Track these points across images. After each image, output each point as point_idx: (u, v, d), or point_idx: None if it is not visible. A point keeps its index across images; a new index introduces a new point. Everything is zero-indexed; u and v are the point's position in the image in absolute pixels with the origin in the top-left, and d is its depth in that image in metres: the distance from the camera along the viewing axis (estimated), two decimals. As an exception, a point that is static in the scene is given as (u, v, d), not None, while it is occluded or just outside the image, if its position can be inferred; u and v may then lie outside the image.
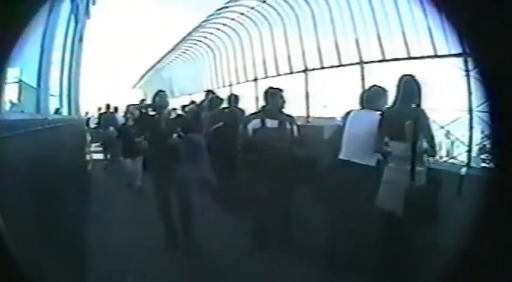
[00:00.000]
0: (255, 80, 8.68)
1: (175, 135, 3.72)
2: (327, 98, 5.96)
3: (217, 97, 5.68)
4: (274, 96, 3.69)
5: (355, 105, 3.46)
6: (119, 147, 5.97)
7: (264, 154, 3.51)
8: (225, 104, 5.37)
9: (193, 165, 4.29)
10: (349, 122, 3.40)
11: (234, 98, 5.42)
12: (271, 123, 3.61)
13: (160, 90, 3.88)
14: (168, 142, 3.64)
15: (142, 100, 9.44)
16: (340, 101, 5.42)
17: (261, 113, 3.71)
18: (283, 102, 3.66)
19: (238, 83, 9.54)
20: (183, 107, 8.75)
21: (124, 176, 6.14)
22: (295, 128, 3.71)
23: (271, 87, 3.78)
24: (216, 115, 5.26)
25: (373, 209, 2.92)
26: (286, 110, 3.76)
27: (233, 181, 3.74)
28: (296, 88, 6.65)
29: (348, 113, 3.45)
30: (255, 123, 3.62)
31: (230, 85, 10.31)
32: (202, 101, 6.37)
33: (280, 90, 3.72)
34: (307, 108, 5.80)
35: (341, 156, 3.36)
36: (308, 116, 5.83)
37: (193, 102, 8.44)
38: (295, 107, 5.83)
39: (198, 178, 4.43)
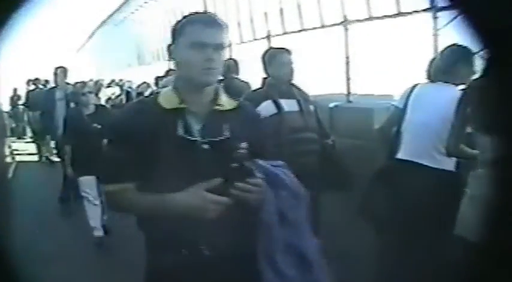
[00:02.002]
0: (258, 38, 8.64)
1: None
2: (375, 65, 5.87)
3: None
4: (279, 61, 3.62)
5: (420, 77, 3.44)
6: (68, 155, 5.42)
7: (287, 155, 3.49)
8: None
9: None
10: (412, 103, 3.36)
11: (232, 65, 5.38)
12: (287, 105, 3.56)
13: None
14: None
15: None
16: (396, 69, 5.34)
17: (266, 90, 3.64)
18: (292, 71, 3.62)
19: (241, 42, 9.49)
20: (157, 79, 8.79)
21: (90, 213, 5.32)
22: (313, 109, 3.71)
23: (272, 48, 3.75)
24: None
25: (450, 239, 2.85)
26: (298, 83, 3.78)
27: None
28: (313, 49, 6.78)
29: (411, 89, 3.41)
30: (267, 106, 3.51)
31: (228, 45, 10.25)
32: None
33: (287, 51, 3.67)
34: (348, 81, 5.72)
35: (400, 156, 3.34)
36: (349, 93, 5.75)
37: (171, 71, 8.48)
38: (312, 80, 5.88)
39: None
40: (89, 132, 5.11)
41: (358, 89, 5.89)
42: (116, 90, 10.97)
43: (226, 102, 1.90)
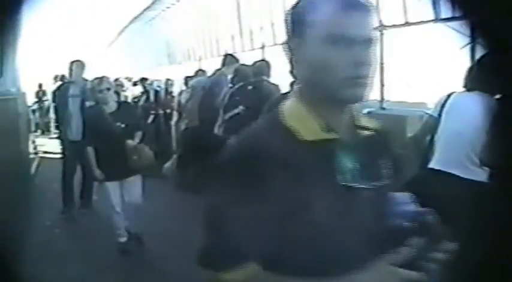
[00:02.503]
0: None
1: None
2: (411, 72, 5.89)
3: (245, 65, 5.76)
4: None
5: (455, 85, 3.43)
6: (91, 156, 5.03)
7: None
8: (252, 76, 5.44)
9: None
10: (447, 112, 3.37)
11: (264, 67, 5.45)
12: None
13: None
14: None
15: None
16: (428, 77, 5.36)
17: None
18: None
19: (274, 44, 9.55)
20: (187, 78, 8.91)
21: (113, 222, 5.18)
22: None
23: None
24: (239, 93, 5.35)
25: (483, 254, 2.84)
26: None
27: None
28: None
29: (447, 98, 3.42)
30: None
31: (262, 47, 10.34)
32: (217, 71, 6.53)
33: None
34: (382, 87, 5.74)
35: (432, 165, 3.33)
36: (382, 99, 5.78)
37: (201, 71, 8.60)
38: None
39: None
40: (112, 132, 4.88)
41: (391, 96, 5.92)
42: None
43: (366, 122, 1.39)
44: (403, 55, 5.86)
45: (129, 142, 4.90)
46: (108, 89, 5.02)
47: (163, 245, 5.16)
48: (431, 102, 3.83)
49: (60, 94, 6.77)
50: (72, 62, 6.63)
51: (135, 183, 5.09)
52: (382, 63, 5.76)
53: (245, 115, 4.88)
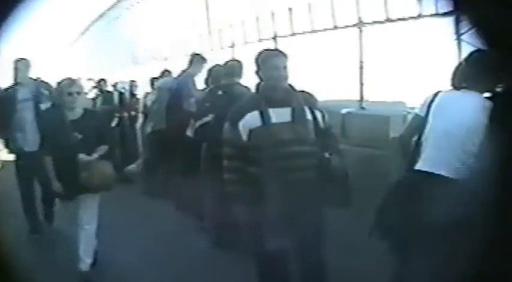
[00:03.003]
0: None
1: None
2: (388, 70, 5.81)
3: (218, 65, 5.57)
4: (272, 64, 3.43)
5: (444, 83, 3.39)
6: (50, 167, 4.48)
7: (276, 170, 3.32)
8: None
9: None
10: (435, 111, 3.31)
11: (236, 67, 5.27)
12: (277, 114, 3.37)
13: None
14: None
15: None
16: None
17: (257, 98, 3.49)
18: (286, 76, 3.43)
19: (245, 43, 9.42)
20: (153, 80, 8.69)
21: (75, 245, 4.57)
22: (319, 115, 3.50)
23: (266, 50, 3.57)
24: (209, 98, 5.25)
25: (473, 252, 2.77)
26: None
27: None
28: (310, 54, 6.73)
29: (434, 96, 3.35)
30: (252, 118, 3.38)
31: (232, 46, 10.19)
32: (184, 72, 6.37)
33: (281, 54, 3.49)
34: (361, 85, 5.66)
35: (419, 166, 3.28)
36: (361, 99, 5.69)
37: (167, 72, 8.39)
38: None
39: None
40: (68, 142, 4.35)
41: (370, 95, 5.84)
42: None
43: None
44: (383, 53, 5.77)
45: (81, 157, 4.35)
46: (79, 93, 4.47)
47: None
48: (410, 101, 3.67)
49: (5, 100, 5.73)
50: (17, 61, 5.69)
51: (88, 203, 4.51)
52: (361, 62, 5.69)
53: (215, 124, 4.62)
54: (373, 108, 5.57)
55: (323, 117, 3.51)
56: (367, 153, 4.65)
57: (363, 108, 5.68)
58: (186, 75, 6.20)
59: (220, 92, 5.03)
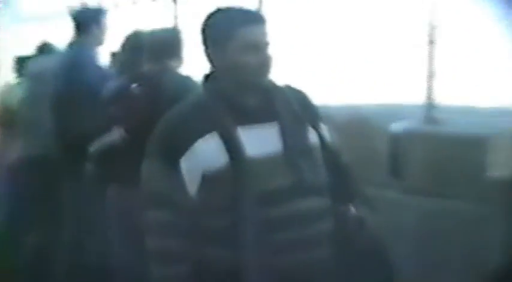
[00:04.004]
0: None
1: None
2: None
3: (135, 37, 3.54)
4: (247, 35, 2.02)
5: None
6: None
7: (256, 257, 2.00)
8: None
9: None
10: None
11: (170, 41, 3.37)
12: (256, 139, 2.01)
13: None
14: None
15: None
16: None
17: (213, 106, 2.07)
18: (267, 61, 2.03)
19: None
20: (21, 61, 6.11)
21: None
22: (326, 134, 2.20)
23: (232, 9, 2.08)
24: (118, 97, 3.31)
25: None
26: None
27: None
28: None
29: None
30: (205, 148, 1.97)
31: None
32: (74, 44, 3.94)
33: (261, 17, 2.09)
34: (429, 85, 3.75)
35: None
36: (431, 105, 3.82)
37: (46, 46, 5.64)
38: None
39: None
40: None
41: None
42: None
43: None
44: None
45: None
46: None
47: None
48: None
49: None
50: None
51: None
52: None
53: (128, 150, 3.21)
54: (451, 118, 3.61)
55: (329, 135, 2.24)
56: (438, 208, 3.22)
57: (433, 120, 3.72)
58: (83, 47, 3.86)
59: (136, 86, 3.26)
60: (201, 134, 1.91)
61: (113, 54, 3.95)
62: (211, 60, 2.02)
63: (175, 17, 5.87)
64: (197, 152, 1.91)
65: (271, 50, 1.97)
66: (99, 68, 3.81)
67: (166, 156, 1.96)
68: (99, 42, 3.84)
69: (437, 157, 3.34)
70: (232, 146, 1.92)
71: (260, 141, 1.97)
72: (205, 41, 2.00)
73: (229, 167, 1.90)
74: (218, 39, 1.96)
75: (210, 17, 2.01)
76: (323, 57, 4.47)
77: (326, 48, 4.55)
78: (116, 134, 3.27)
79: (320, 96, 2.62)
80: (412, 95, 3.64)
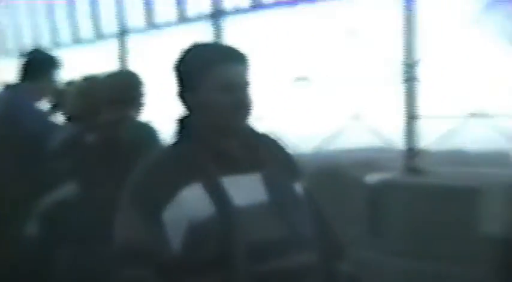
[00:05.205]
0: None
1: None
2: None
3: (87, 81, 3.31)
4: (227, 73, 1.94)
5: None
6: None
7: None
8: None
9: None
10: None
11: (128, 85, 3.14)
12: (240, 189, 1.95)
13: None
14: None
15: None
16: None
17: (191, 154, 1.99)
18: (247, 103, 1.95)
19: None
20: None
21: None
22: (304, 184, 2.13)
23: (209, 46, 2.13)
24: (69, 150, 3.12)
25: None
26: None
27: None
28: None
29: None
30: (187, 199, 1.90)
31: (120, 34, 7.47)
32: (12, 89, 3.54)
33: (241, 55, 1.97)
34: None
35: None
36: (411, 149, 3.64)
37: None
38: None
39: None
40: None
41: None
42: None
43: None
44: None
45: None
46: None
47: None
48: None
49: None
50: None
51: None
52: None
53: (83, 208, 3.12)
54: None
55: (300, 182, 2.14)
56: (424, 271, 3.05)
57: (413, 170, 3.48)
58: (21, 93, 3.45)
59: (91, 135, 3.07)
60: (184, 184, 1.85)
61: (59, 102, 3.60)
62: (185, 102, 1.94)
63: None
64: (181, 203, 1.84)
65: (251, 92, 1.88)
66: (40, 114, 3.47)
67: (146, 208, 1.86)
68: (43, 93, 3.48)
69: (419, 211, 3.08)
70: (218, 196, 1.87)
71: (246, 191, 1.92)
72: (178, 80, 1.92)
73: (216, 216, 1.84)
74: (192, 78, 1.90)
75: (185, 53, 1.94)
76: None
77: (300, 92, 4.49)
78: (68, 189, 3.08)
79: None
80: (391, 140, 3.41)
